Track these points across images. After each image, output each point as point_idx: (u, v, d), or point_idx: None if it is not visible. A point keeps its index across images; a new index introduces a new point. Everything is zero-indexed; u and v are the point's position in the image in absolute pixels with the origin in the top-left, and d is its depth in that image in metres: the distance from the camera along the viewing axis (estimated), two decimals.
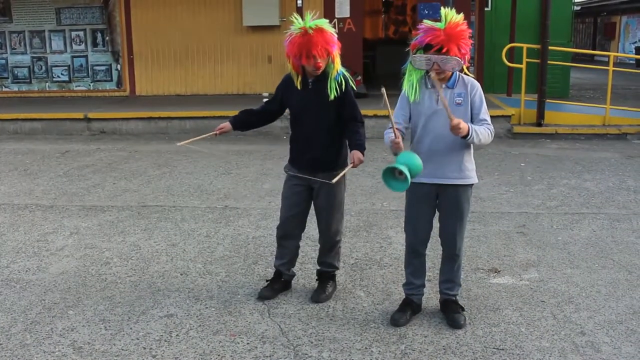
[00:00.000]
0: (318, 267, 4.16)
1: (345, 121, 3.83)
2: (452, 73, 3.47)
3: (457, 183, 3.55)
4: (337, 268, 4.16)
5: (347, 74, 3.83)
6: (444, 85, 3.48)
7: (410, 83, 3.53)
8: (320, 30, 3.62)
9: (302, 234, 4.13)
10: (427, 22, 3.42)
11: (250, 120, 4.12)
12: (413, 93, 3.52)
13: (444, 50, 3.33)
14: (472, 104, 3.48)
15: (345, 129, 3.84)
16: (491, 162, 7.94)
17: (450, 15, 3.34)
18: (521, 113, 10.12)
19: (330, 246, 4.06)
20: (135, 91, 12.98)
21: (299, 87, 3.82)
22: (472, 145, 3.54)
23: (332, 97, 3.74)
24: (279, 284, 4.12)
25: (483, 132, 3.41)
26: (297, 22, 3.66)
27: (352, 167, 3.75)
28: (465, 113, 3.47)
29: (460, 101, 3.47)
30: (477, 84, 3.53)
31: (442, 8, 3.42)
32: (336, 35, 3.72)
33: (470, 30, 3.43)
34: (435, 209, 3.68)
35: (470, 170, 3.58)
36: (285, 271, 4.12)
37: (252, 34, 12.52)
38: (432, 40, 3.35)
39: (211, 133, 4.05)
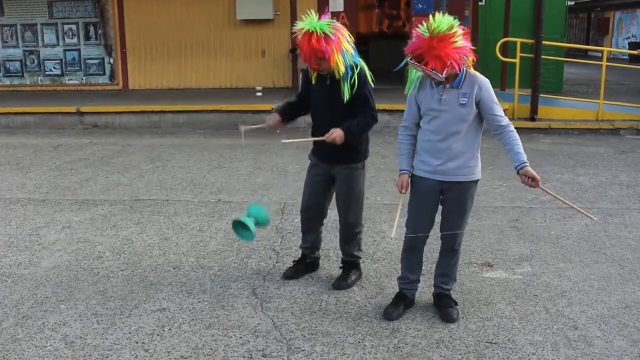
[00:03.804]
0: (342, 256, 4.21)
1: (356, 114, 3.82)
2: (459, 72, 3.38)
3: (460, 180, 3.52)
4: (359, 257, 4.18)
5: (364, 67, 3.77)
6: (448, 86, 3.41)
7: (410, 79, 3.53)
8: (309, 36, 3.59)
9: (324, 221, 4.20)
10: (419, 28, 3.31)
11: (293, 111, 4.10)
12: (409, 87, 3.53)
13: (422, 64, 3.26)
14: (481, 104, 3.41)
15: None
16: (485, 157, 7.88)
17: (434, 26, 3.22)
18: (515, 108, 10.12)
19: (348, 237, 4.10)
20: (128, 85, 12.93)
21: (313, 82, 3.86)
22: (477, 143, 3.52)
23: (345, 99, 3.72)
24: (303, 265, 4.27)
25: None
26: (301, 22, 3.66)
27: (323, 138, 3.74)
28: (468, 114, 3.41)
29: (464, 102, 3.39)
30: (484, 82, 3.42)
31: (430, 16, 3.28)
32: (335, 36, 3.62)
33: (460, 41, 3.25)
34: (438, 204, 3.66)
35: (473, 167, 3.54)
36: (309, 254, 4.25)
37: (245, 27, 12.48)
38: (413, 52, 3.30)
39: (263, 125, 4.06)
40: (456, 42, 3.23)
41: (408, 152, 3.63)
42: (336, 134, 3.69)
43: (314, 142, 3.96)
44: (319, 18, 3.66)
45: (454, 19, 3.29)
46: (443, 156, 3.48)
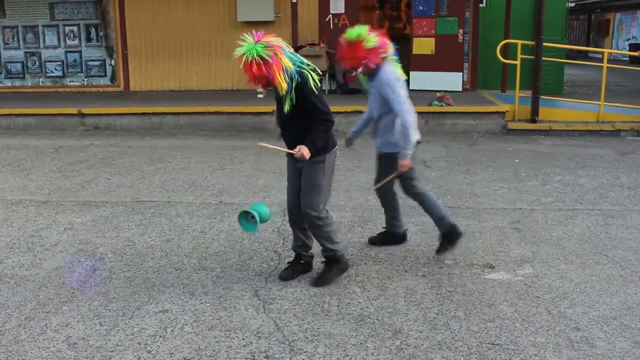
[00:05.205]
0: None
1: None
2: (374, 68, 4.22)
3: (387, 151, 4.43)
4: (334, 250, 4.16)
5: (307, 76, 3.84)
6: (369, 79, 4.36)
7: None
8: (250, 64, 3.73)
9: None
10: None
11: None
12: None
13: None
14: (381, 95, 4.27)
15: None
16: (485, 158, 7.96)
17: (347, 35, 4.20)
18: (515, 109, 10.12)
19: (313, 231, 4.13)
20: (129, 86, 12.93)
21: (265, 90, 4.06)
22: (394, 122, 4.34)
23: (286, 109, 3.87)
24: (298, 265, 4.30)
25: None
26: (240, 48, 3.77)
27: (293, 152, 3.92)
28: (379, 104, 4.30)
29: (374, 92, 4.30)
30: (384, 76, 4.23)
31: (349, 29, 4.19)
32: (273, 58, 3.73)
33: (370, 43, 4.15)
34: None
35: (396, 142, 4.31)
36: (302, 253, 4.28)
37: (246, 29, 12.40)
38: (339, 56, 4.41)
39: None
40: (366, 44, 4.15)
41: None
42: (303, 151, 3.86)
43: (283, 142, 4.14)
44: (255, 40, 3.77)
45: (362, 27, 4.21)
46: (378, 133, 4.46)
